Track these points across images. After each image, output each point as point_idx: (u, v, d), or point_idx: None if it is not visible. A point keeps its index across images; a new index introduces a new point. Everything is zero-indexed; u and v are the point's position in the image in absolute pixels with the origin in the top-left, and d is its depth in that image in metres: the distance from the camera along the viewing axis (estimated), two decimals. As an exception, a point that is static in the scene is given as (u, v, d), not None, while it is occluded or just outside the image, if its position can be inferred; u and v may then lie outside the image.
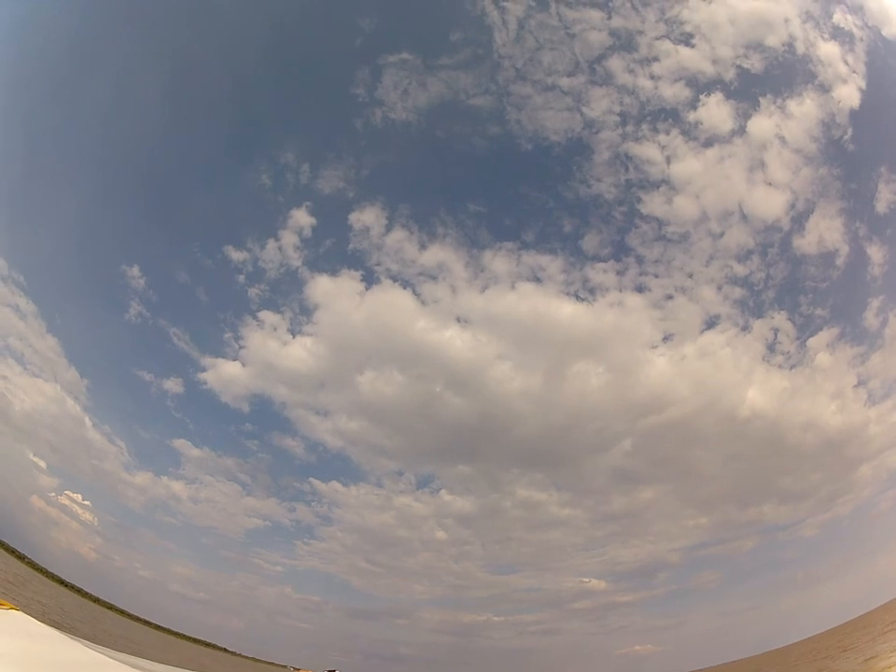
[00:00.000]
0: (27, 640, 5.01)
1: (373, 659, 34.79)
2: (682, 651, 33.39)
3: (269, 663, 37.37)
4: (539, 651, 35.21)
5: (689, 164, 30.19)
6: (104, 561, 33.94)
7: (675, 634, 33.96)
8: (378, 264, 31.61)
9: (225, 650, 39.33)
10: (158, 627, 37.56)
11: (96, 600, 36.04)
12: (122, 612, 37.59)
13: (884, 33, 30.05)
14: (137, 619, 37.76)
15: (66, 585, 35.05)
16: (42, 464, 32.50)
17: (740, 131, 30.04)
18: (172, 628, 37.79)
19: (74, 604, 31.48)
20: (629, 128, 30.22)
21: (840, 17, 30.25)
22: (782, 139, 30.38)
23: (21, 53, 32.18)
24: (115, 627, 29.31)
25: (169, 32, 32.00)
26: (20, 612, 5.91)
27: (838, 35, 30.01)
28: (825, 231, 30.81)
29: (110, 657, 5.74)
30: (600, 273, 30.97)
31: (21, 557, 34.25)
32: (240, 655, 38.58)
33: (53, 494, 32.52)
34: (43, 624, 5.80)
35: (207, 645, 38.69)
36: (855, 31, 30.08)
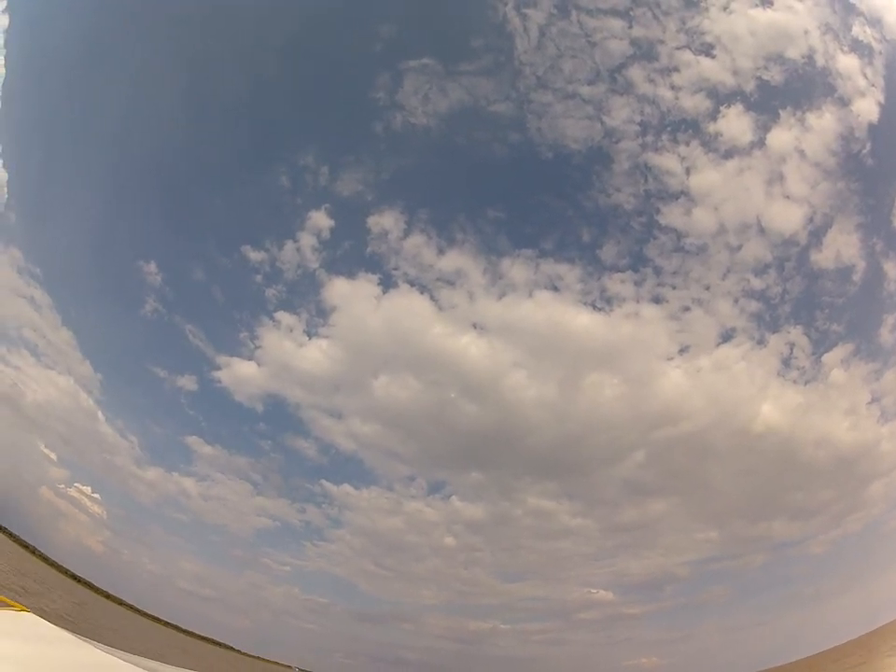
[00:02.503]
0: (39, 642, 5.04)
1: (379, 662, 34.84)
2: (688, 665, 33.25)
3: (275, 662, 37.55)
4: (543, 660, 35.13)
5: (708, 176, 30.12)
6: (111, 554, 34.13)
7: (681, 647, 33.78)
8: (395, 268, 31.59)
9: (231, 648, 39.54)
10: (166, 624, 37.81)
11: (107, 596, 36.30)
12: (131, 608, 37.86)
13: (903, 46, 29.99)
14: (146, 614, 38.03)
15: (78, 580, 35.30)
16: (53, 455, 32.73)
17: (759, 143, 29.95)
18: (180, 625, 38.01)
19: (86, 597, 31.78)
20: (649, 138, 30.17)
21: (859, 29, 30.05)
22: (801, 152, 30.26)
23: (40, 50, 32.50)
24: (127, 625, 29.60)
25: (188, 32, 32.27)
26: (30, 614, 5.96)
27: (857, 47, 29.82)
28: (842, 246, 30.64)
29: (123, 659, 5.77)
30: (617, 284, 30.82)
31: (33, 551, 34.55)
32: (247, 654, 38.79)
33: (63, 485, 32.72)
34: (54, 626, 5.82)
35: (214, 643, 38.87)
36: (874, 44, 29.87)
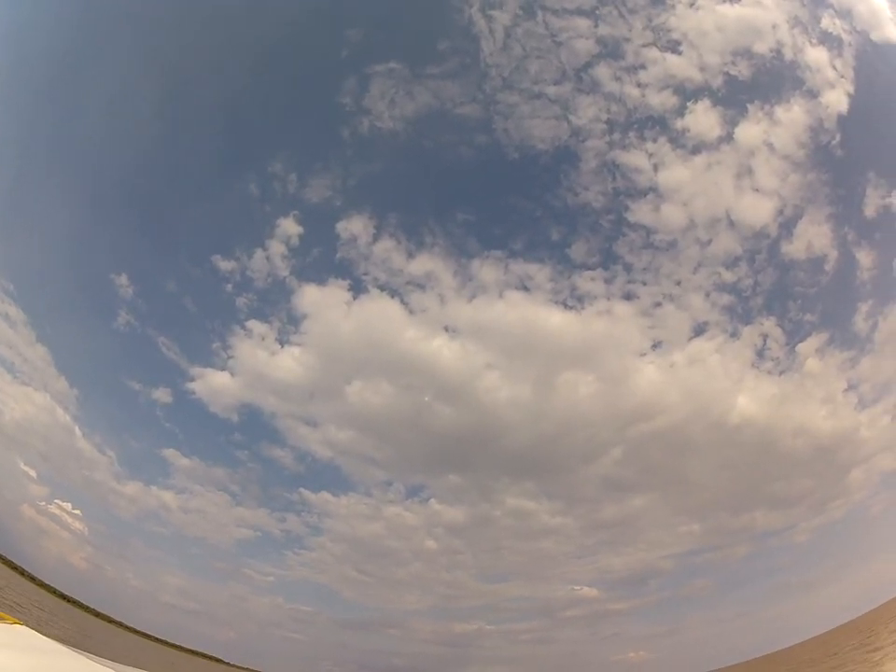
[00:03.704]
0: (32, 655, 5.02)
1: (365, 670, 34.79)
2: (676, 658, 33.34)
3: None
4: (531, 660, 35.18)
5: (676, 172, 30.33)
6: (94, 571, 33.97)
7: (668, 641, 33.90)
8: (366, 273, 31.70)
9: (220, 660, 39.25)
10: (155, 639, 37.49)
11: (97, 614, 35.91)
12: (119, 624, 37.51)
13: (872, 37, 30.10)
14: (134, 630, 37.70)
15: (68, 600, 34.87)
16: (32, 473, 32.58)
17: (728, 138, 30.17)
18: (167, 639, 37.72)
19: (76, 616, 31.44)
20: (616, 136, 30.37)
21: (828, 21, 30.29)
22: (770, 145, 30.49)
23: (13, 62, 32.35)
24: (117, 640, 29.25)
25: (159, 44, 32.21)
26: (24, 627, 5.91)
27: (826, 39, 30.09)
28: (813, 236, 30.92)
29: (116, 670, 5.72)
30: (588, 282, 31.01)
31: (22, 573, 34.06)
32: (236, 666, 38.50)
33: (43, 503, 32.58)
34: (48, 638, 5.83)
35: (203, 656, 38.59)
36: (843, 35, 30.13)
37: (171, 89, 33.23)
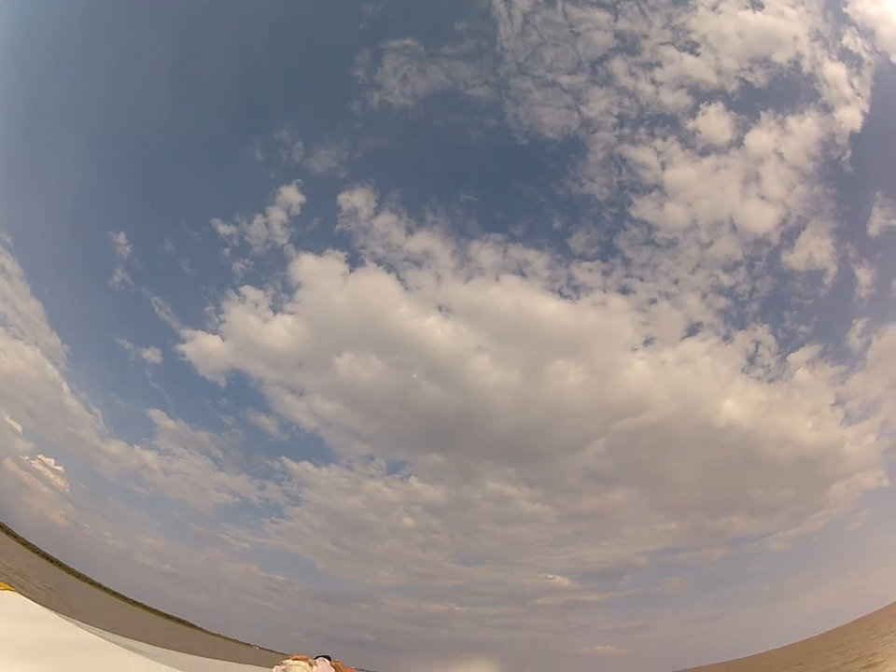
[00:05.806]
0: (20, 622, 4.99)
1: (335, 643, 35.01)
2: (644, 655, 33.67)
3: (235, 641, 37.48)
4: (500, 645, 35.43)
5: (683, 172, 30.32)
6: (73, 528, 33.96)
7: (638, 637, 34.21)
8: (364, 247, 31.62)
9: (193, 625, 39.35)
10: (133, 602, 37.52)
11: (79, 576, 35.87)
12: (94, 583, 37.53)
13: (893, 59, 30.04)
14: (108, 590, 37.75)
15: (47, 558, 34.78)
16: (18, 427, 32.46)
17: (738, 143, 30.15)
18: (142, 601, 37.81)
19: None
20: (626, 130, 30.33)
21: (850, 39, 30.18)
22: (780, 155, 30.47)
23: (26, 23, 32.06)
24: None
25: (172, 6, 31.88)
26: (14, 593, 5.87)
27: (846, 56, 29.98)
28: (815, 249, 30.93)
29: (105, 639, 5.74)
30: (586, 272, 31.03)
31: (8, 532, 33.89)
32: (207, 632, 38.61)
33: (27, 458, 32.45)
34: (38, 605, 5.81)
35: (178, 621, 38.65)
36: (864, 55, 30.03)
37: (183, 51, 33.01)
